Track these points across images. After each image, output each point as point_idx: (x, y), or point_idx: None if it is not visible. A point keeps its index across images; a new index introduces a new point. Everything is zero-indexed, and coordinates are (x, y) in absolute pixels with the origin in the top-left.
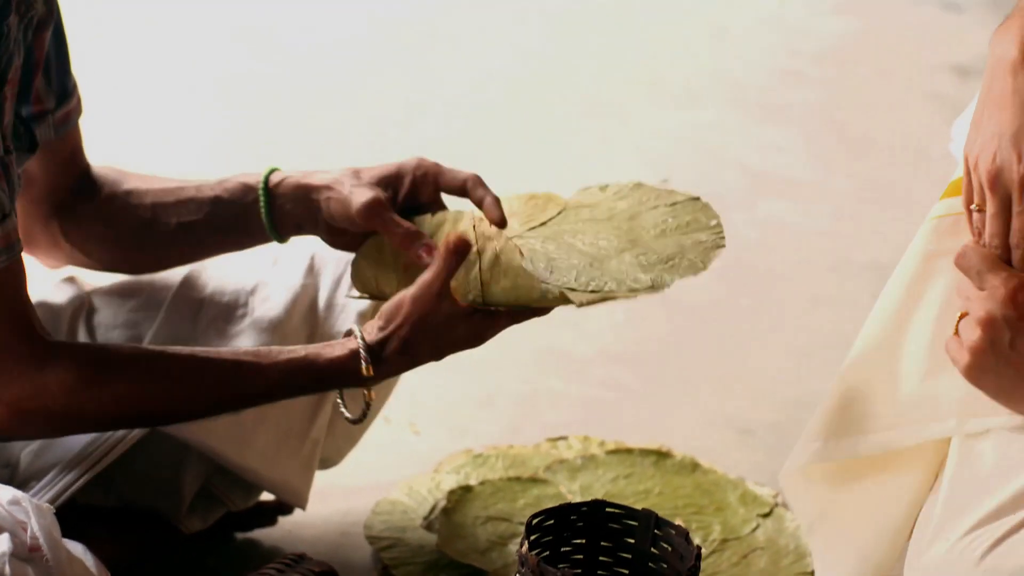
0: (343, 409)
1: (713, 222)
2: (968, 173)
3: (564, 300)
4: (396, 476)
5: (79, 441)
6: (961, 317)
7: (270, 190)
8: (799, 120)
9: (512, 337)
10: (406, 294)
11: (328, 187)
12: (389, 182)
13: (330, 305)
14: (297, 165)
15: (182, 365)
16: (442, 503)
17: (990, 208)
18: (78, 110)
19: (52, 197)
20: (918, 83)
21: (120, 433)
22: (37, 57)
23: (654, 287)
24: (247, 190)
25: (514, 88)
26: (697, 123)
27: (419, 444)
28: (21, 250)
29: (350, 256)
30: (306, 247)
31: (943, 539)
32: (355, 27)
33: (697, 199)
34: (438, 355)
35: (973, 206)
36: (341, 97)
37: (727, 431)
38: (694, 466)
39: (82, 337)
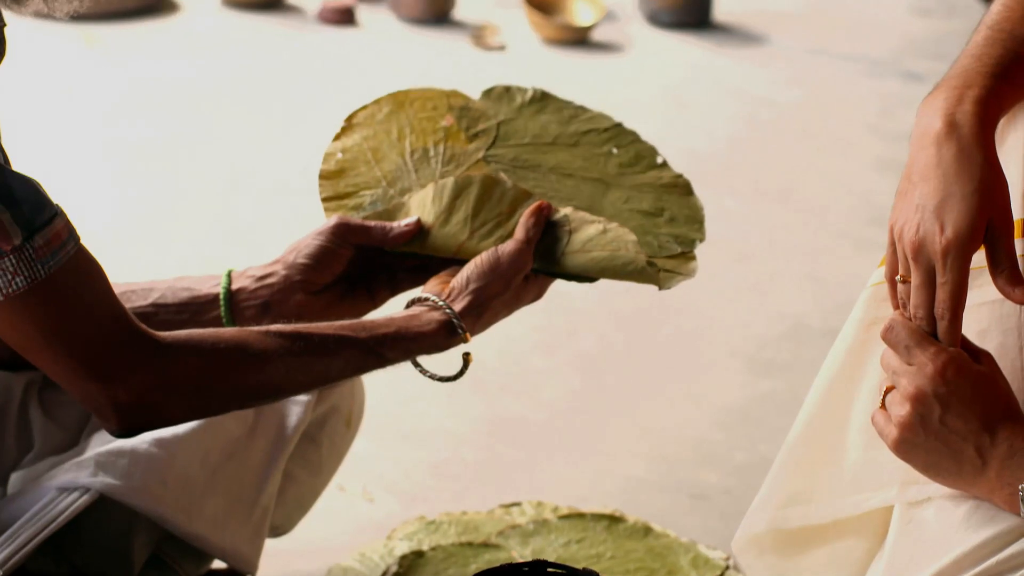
0: (433, 373)
1: (660, 160)
2: (892, 244)
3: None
4: (349, 543)
5: (26, 507)
6: (887, 391)
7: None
8: (756, 190)
9: (465, 404)
10: (486, 258)
11: (272, 271)
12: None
13: None
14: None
15: (297, 338)
16: (394, 569)
17: (914, 279)
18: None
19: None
20: (876, 152)
21: (68, 499)
22: None
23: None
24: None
25: None
26: None
27: (373, 511)
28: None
29: None
30: None
31: None
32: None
33: (619, 124)
34: (508, 314)
35: (898, 277)
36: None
37: (680, 496)
38: (646, 530)
39: (33, 411)
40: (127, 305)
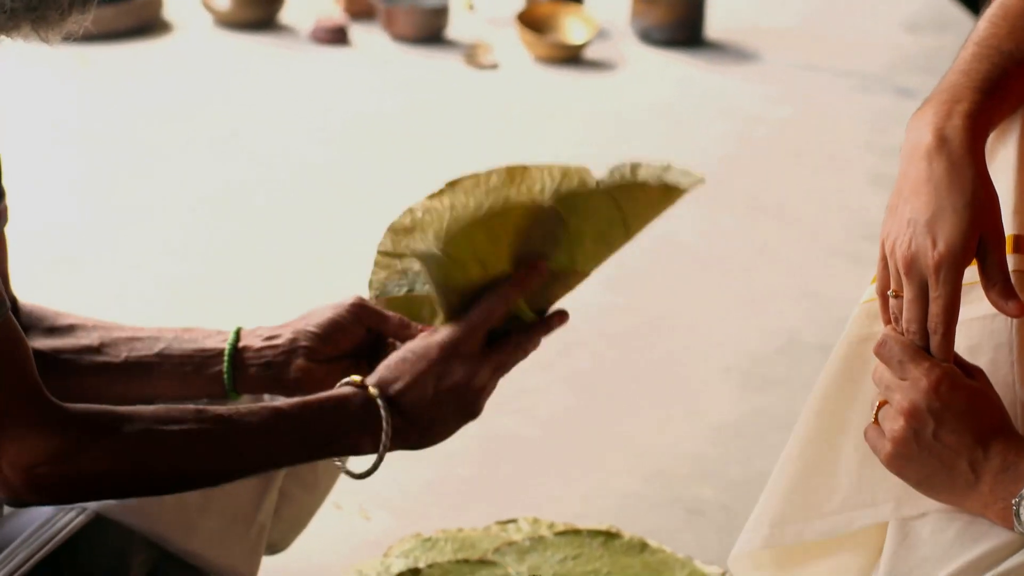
0: (347, 468)
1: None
2: (884, 259)
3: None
4: (346, 560)
5: (23, 527)
6: (880, 406)
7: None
8: (750, 207)
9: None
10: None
11: (280, 333)
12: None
13: None
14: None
15: (204, 425)
16: None
17: (907, 294)
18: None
19: None
20: (870, 168)
21: (65, 519)
22: None
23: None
24: (206, 349)
25: None
26: None
27: (369, 528)
28: (11, 309)
29: None
30: None
31: None
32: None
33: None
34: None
35: (890, 292)
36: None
37: (676, 511)
38: (643, 546)
39: None
40: (131, 354)
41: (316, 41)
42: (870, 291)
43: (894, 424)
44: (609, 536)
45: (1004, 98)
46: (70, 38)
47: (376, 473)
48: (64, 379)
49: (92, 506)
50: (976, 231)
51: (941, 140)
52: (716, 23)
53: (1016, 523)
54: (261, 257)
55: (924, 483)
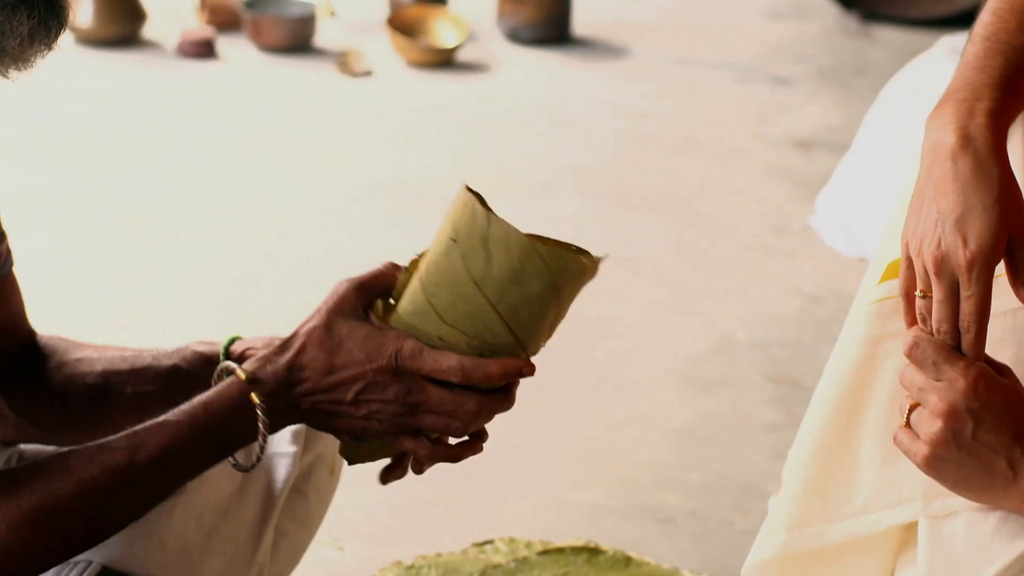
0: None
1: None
2: (908, 259)
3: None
4: None
5: None
6: (912, 408)
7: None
8: (653, 204)
9: None
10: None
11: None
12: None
13: None
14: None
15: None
16: None
17: (937, 294)
18: (7, 256)
19: None
20: (763, 159)
21: (71, 574)
22: None
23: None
24: (205, 361)
25: (373, 190)
26: (556, 215)
27: (345, 559)
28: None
29: None
30: None
31: None
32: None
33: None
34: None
35: (918, 292)
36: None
37: (647, 521)
38: (627, 560)
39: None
40: (135, 388)
41: (183, 55)
42: (877, 291)
43: (931, 426)
44: (591, 552)
45: (1020, 94)
46: (28, 69)
47: (339, 500)
48: (79, 423)
49: (98, 559)
50: (1006, 228)
51: (966, 139)
52: (581, 18)
53: None
54: (146, 271)
55: (961, 484)
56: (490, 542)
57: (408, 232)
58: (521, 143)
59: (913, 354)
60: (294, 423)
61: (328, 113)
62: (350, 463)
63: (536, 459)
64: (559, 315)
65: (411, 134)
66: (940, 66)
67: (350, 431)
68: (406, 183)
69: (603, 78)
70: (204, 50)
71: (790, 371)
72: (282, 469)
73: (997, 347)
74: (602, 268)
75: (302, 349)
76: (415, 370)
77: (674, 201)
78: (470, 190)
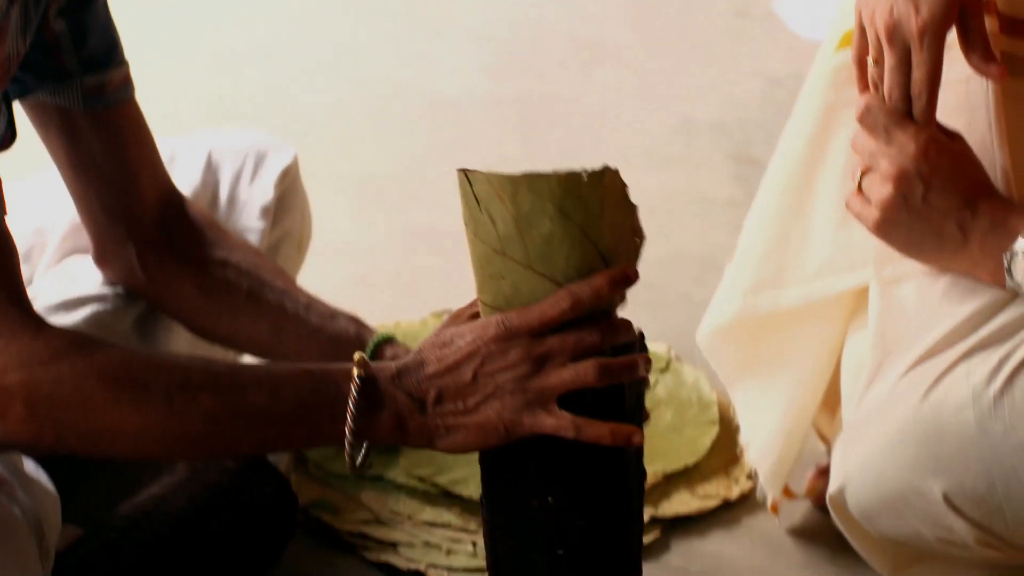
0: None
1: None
2: (860, 27)
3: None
4: None
5: None
6: (863, 173)
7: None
8: None
9: (373, 217)
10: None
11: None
12: None
13: (232, 201)
14: None
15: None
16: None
17: (889, 61)
18: (122, 85)
19: (126, 206)
20: None
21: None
22: (47, 38)
23: None
24: (354, 346)
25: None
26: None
27: None
28: (4, 214)
29: (249, 148)
30: (202, 142)
31: (880, 382)
32: None
33: None
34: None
35: (870, 59)
36: None
37: None
38: None
39: None
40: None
41: None
42: (836, 58)
43: (882, 190)
44: None
45: None
46: None
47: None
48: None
49: None
50: None
51: None
52: None
53: (1008, 278)
54: None
55: (912, 247)
56: (449, 311)
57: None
58: None
59: (865, 119)
60: (399, 436)
61: None
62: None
63: None
64: (602, 241)
65: None
66: None
67: (479, 430)
68: None
69: None
70: None
71: (750, 150)
72: (250, 240)
73: (951, 116)
74: (565, 51)
75: (418, 351)
76: (526, 325)
77: None
78: (462, 171)
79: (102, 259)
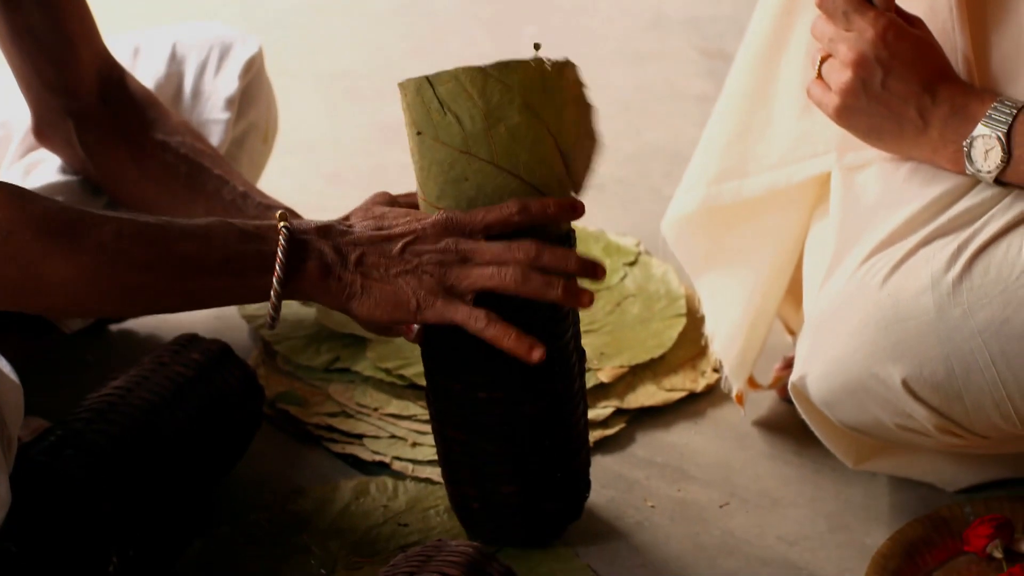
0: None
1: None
2: None
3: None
4: None
5: None
6: (823, 60)
7: None
8: None
9: (346, 114)
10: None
11: None
12: None
13: (196, 92)
14: None
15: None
16: None
17: None
18: None
19: (64, 77)
20: None
21: None
22: None
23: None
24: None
25: None
26: None
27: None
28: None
29: (213, 40)
30: (167, 35)
31: (841, 269)
32: None
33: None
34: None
35: None
36: None
37: None
38: None
39: None
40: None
41: None
42: None
43: (841, 76)
44: None
45: None
46: None
47: (270, 169)
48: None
49: None
50: None
51: None
52: None
53: (967, 164)
54: None
55: (872, 133)
56: None
57: None
58: None
59: (824, 4)
60: (322, 288)
61: None
62: None
63: None
64: (561, 137)
65: None
66: None
67: (392, 299)
68: None
69: None
70: None
71: (722, 45)
72: (215, 136)
73: (912, 1)
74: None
75: (346, 217)
76: (468, 222)
77: None
78: (424, 78)
79: (40, 131)
